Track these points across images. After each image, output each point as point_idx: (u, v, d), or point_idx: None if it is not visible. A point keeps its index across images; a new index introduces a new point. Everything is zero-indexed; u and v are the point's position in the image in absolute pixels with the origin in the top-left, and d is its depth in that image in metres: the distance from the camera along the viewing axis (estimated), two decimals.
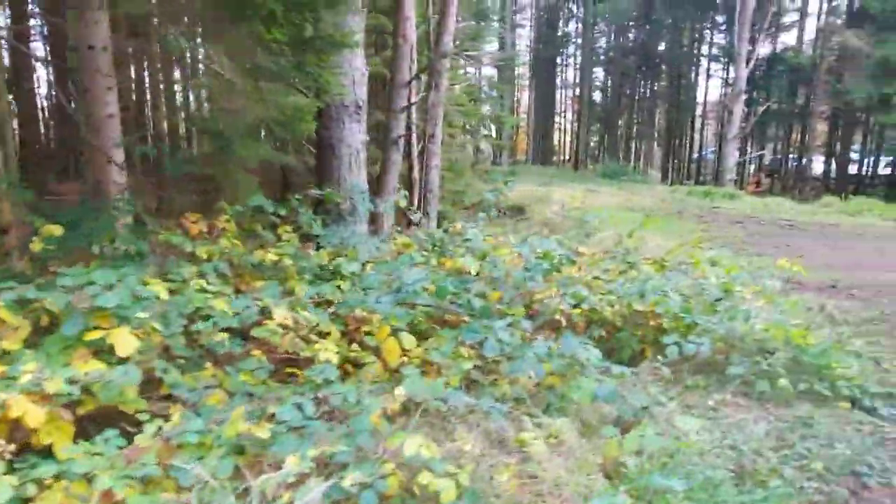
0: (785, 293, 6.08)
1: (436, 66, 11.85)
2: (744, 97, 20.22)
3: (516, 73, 31.19)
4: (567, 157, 39.87)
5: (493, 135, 19.60)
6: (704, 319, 3.65)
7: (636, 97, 37.78)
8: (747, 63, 20.01)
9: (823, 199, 15.31)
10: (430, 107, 12.24)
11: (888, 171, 23.31)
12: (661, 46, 32.20)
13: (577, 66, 36.83)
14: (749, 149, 26.80)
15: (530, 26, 38.54)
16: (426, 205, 12.77)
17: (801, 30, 23.53)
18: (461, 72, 19.53)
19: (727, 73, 26.53)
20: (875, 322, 5.12)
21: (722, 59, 27.82)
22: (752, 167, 28.06)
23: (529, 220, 15.22)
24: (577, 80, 37.30)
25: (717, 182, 21.16)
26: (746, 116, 20.82)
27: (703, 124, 34.67)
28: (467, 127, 18.87)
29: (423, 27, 11.76)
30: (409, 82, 11.13)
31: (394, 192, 11.66)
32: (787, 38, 25.07)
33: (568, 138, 41.70)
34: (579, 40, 35.16)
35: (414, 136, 11.94)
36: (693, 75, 31.12)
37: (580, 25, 35.27)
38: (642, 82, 35.92)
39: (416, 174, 12.51)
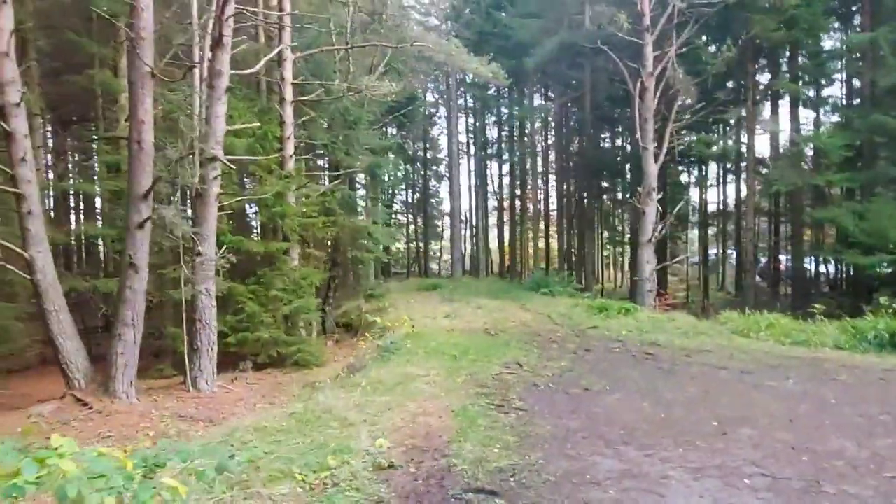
0: None
1: (206, 171, 10.13)
2: (656, 196, 18.48)
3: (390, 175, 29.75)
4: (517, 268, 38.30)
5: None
6: None
7: (602, 205, 36.27)
8: (656, 159, 18.48)
9: (724, 314, 12.92)
10: (198, 217, 10.41)
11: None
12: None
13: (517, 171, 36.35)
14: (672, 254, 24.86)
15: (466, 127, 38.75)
16: (195, 347, 10.33)
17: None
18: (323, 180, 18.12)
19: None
20: None
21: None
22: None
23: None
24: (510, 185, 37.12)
25: (636, 293, 18.95)
26: (661, 217, 18.94)
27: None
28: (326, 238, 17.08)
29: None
30: (148, 193, 9.34)
31: (136, 327, 9.42)
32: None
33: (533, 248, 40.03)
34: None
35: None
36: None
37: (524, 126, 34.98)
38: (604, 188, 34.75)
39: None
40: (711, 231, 33.88)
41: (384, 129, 32.80)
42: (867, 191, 19.75)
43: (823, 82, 24.10)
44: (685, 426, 5.62)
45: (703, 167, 30.30)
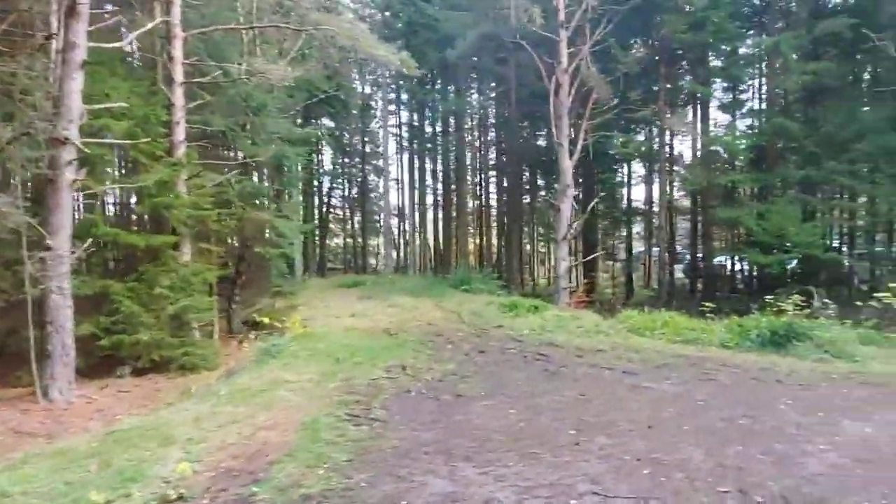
0: None
1: (58, 154, 9.12)
2: (572, 193, 18.52)
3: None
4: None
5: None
6: None
7: (534, 201, 36.51)
8: (571, 155, 18.51)
9: (625, 312, 12.98)
10: (48, 206, 9.42)
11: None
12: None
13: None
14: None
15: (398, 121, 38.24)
16: (47, 353, 9.35)
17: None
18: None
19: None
20: None
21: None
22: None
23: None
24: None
25: (553, 289, 19.01)
26: (576, 214, 19.06)
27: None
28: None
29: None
30: None
31: None
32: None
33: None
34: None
35: None
36: None
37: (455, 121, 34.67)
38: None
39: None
40: (639, 229, 34.83)
41: (316, 119, 32.02)
42: (771, 192, 20.60)
43: (742, 87, 25.04)
44: (542, 435, 5.33)
45: (628, 166, 31.00)
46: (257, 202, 16.71)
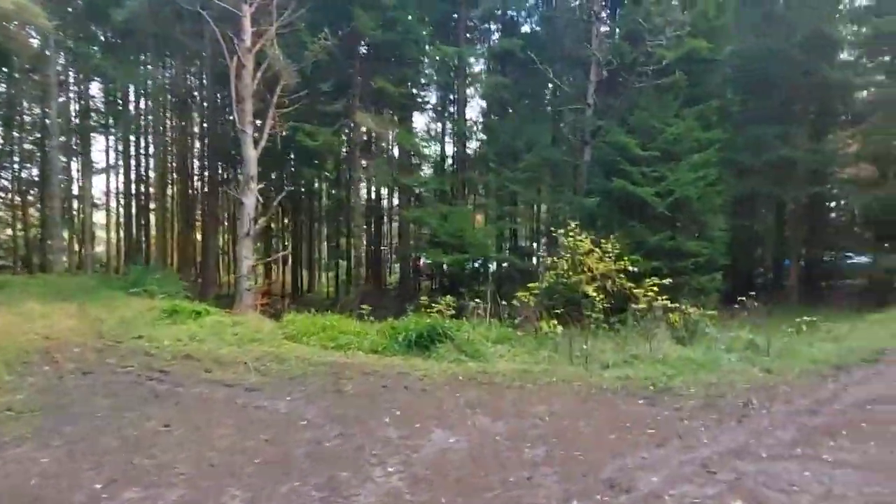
0: None
1: None
2: (256, 186, 17.28)
3: None
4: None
5: None
6: None
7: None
8: (256, 144, 17.27)
9: (289, 315, 12.26)
10: None
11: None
12: None
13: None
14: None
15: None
16: None
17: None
18: None
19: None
20: None
21: None
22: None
23: None
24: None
25: (236, 292, 17.56)
26: (263, 208, 17.97)
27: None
28: None
29: None
30: None
31: None
32: None
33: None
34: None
35: None
36: None
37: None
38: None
39: None
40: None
41: None
42: (462, 195, 22.27)
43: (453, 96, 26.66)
44: (47, 497, 4.08)
45: (341, 162, 30.87)
46: None
